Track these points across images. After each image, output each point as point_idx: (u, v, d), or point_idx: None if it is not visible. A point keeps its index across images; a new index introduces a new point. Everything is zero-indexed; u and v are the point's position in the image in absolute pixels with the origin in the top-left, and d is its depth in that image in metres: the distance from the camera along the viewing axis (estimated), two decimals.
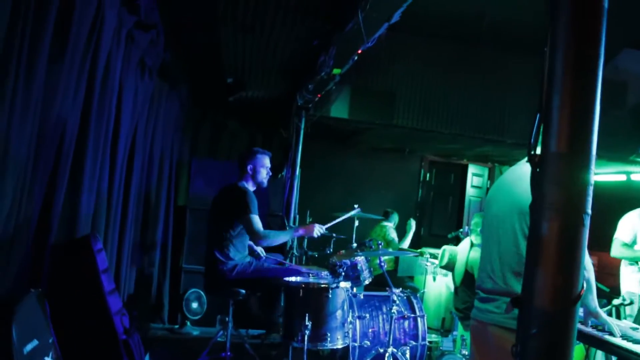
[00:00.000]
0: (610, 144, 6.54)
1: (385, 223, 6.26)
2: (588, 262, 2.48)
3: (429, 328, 5.33)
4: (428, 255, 5.51)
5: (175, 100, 5.70)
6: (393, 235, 6.16)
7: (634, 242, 4.82)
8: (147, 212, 5.10)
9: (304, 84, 4.95)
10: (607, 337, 2.62)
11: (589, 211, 1.19)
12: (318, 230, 4.35)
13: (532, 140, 1.26)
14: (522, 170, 2.62)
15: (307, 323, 3.82)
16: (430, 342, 4.85)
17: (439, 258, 4.98)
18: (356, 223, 4.74)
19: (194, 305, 5.49)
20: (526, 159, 2.59)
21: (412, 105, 5.75)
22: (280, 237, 4.43)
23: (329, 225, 4.51)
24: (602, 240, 5.23)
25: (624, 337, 2.66)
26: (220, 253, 4.41)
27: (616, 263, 5.08)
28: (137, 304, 4.96)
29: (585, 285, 2.44)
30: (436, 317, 5.44)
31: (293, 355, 4.18)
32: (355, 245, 4.65)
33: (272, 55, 4.81)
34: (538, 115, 1.24)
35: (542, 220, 1.18)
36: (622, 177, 7.59)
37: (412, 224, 6.38)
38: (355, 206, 4.67)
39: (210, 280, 4.53)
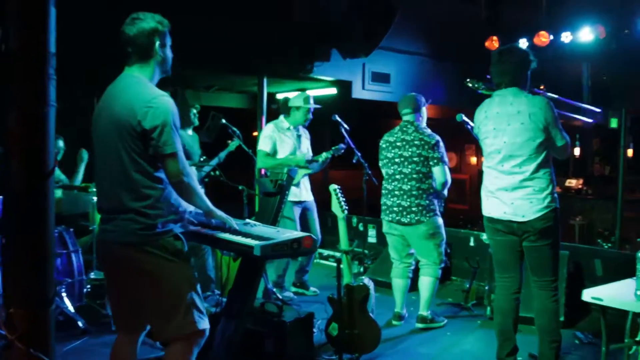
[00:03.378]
0: (284, 64, 7.40)
1: None
2: (187, 167, 2.91)
3: None
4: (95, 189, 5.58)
5: None
6: (60, 176, 6.05)
7: (275, 152, 5.66)
8: None
9: None
10: (218, 233, 3.14)
11: (53, 103, 1.50)
12: None
13: None
14: (121, 85, 2.90)
15: None
16: (96, 278, 4.98)
17: None
18: None
19: None
20: (127, 72, 2.92)
21: None
22: None
23: None
24: None
25: (239, 231, 3.20)
26: None
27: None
28: None
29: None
30: None
31: None
32: None
33: None
34: None
35: (9, 113, 1.45)
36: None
37: (84, 155, 6.21)
38: None
39: None
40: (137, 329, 3.07)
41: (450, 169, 4.96)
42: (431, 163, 4.72)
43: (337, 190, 4.07)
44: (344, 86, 8.05)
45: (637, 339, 3.87)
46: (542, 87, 4.33)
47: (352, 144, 5.91)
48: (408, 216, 4.75)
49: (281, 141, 5.69)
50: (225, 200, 6.34)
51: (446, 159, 4.81)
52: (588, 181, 12.67)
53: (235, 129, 5.87)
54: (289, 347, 3.81)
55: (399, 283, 5.05)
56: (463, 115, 4.90)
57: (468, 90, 4.36)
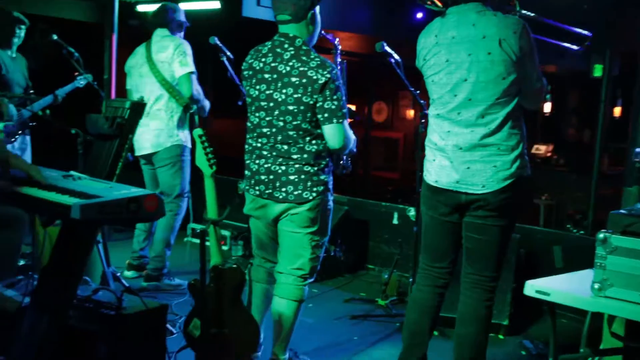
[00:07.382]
0: None
1: None
2: None
3: None
4: None
5: None
6: None
7: None
8: None
9: None
10: (23, 188, 3.06)
11: None
12: None
13: None
14: None
15: None
16: None
17: None
18: None
19: None
20: None
21: None
22: None
23: None
24: None
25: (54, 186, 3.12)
26: None
27: None
28: None
29: None
30: None
31: None
32: None
33: None
34: None
35: None
36: None
37: None
38: None
39: None
40: None
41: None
42: (319, 117, 3.86)
43: (204, 137, 3.94)
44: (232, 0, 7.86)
45: (600, 347, 3.95)
46: (512, 2, 4.09)
47: (237, 79, 5.79)
48: (283, 189, 3.97)
49: None
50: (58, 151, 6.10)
51: (345, 110, 3.96)
52: (560, 148, 12.98)
53: (72, 50, 5.70)
54: (128, 351, 3.74)
55: (261, 290, 4.39)
56: (385, 44, 4.72)
57: (403, 19, 4.24)
